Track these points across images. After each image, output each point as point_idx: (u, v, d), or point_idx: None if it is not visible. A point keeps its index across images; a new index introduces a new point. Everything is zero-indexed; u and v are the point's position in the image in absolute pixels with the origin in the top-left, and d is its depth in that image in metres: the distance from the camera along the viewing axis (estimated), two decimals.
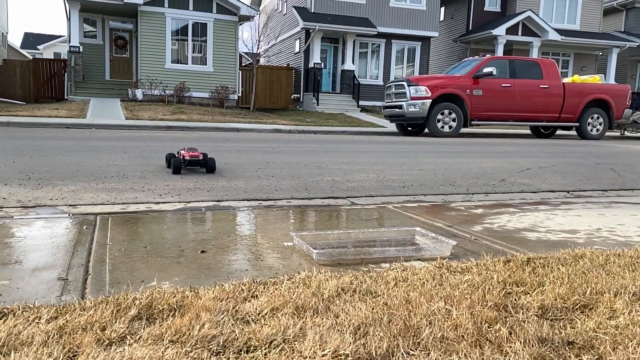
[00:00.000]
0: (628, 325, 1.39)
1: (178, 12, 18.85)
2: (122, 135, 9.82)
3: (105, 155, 5.93)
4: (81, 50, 18.56)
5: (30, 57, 26.26)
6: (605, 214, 3.27)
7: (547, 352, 1.24)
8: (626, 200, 3.93)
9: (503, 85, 12.94)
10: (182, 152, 4.70)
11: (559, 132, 15.49)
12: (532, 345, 1.26)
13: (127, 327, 1.31)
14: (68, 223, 2.64)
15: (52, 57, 29.09)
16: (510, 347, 1.25)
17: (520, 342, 1.27)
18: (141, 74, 18.50)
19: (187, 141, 8.59)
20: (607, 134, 14.69)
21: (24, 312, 1.39)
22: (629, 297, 1.60)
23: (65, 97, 18.34)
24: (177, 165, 4.43)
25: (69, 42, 18.90)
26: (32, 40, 46.27)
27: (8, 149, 6.29)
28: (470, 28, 25.03)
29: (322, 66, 22.07)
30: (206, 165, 4.56)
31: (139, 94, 17.98)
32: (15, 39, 61.61)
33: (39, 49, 43.29)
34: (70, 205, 3.10)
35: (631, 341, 1.30)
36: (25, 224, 2.59)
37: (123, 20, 20.47)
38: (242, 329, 1.32)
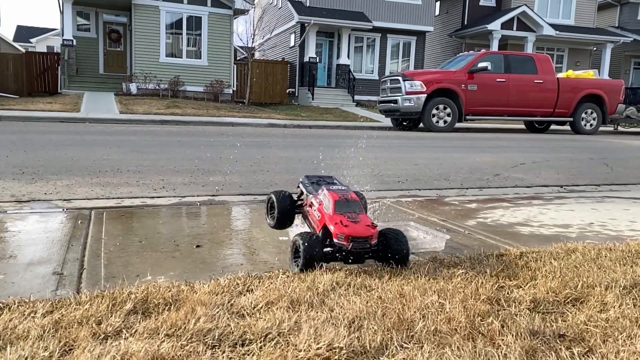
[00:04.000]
0: (618, 318, 1.41)
1: (172, 6, 18.72)
2: (116, 129, 9.77)
3: (99, 150, 5.90)
4: (75, 43, 18.39)
5: (23, 50, 26.03)
6: (597, 209, 3.30)
7: (539, 345, 1.25)
8: (618, 195, 3.96)
9: (498, 80, 12.96)
10: (313, 199, 2.06)
11: (553, 127, 15.54)
12: (524, 338, 1.27)
13: (123, 321, 1.31)
14: (63, 217, 2.63)
15: (45, 51, 28.84)
16: (502, 339, 1.27)
17: (512, 335, 1.28)
18: (135, 68, 18.38)
19: (183, 135, 8.55)
20: (601, 129, 14.76)
21: (20, 307, 1.39)
22: (619, 291, 1.62)
23: (59, 91, 18.21)
24: (311, 254, 1.77)
25: (62, 35, 18.73)
26: (24, 33, 45.84)
27: (1, 143, 6.25)
28: (466, 23, 25.02)
29: (318, 60, 22.03)
30: (388, 251, 1.84)
31: (133, 87, 17.87)
32: (7, 32, 61.03)
33: (31, 42, 42.91)
34: (64, 200, 3.10)
35: (621, 334, 1.32)
36: (19, 218, 2.59)
37: (117, 13, 20.30)
38: (238, 322, 1.33)
